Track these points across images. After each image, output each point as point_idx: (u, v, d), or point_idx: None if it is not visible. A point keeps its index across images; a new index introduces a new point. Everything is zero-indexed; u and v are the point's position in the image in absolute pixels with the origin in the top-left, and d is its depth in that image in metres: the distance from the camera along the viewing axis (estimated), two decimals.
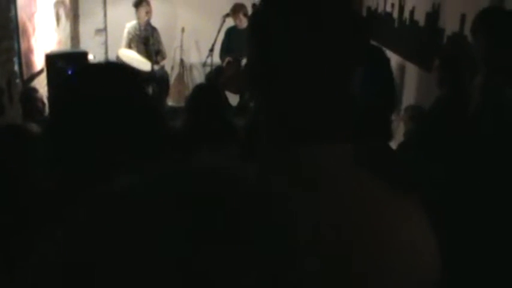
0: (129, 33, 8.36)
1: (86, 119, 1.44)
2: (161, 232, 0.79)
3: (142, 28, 8.33)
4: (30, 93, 5.66)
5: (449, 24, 5.87)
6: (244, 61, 8.15)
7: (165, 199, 0.81)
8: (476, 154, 3.54)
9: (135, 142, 1.47)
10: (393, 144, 4.41)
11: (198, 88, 4.09)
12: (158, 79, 8.30)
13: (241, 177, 0.86)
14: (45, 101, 6.07)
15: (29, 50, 6.37)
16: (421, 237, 1.04)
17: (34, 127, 5.22)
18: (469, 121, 4.08)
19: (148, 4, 8.25)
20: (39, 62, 6.77)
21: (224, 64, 8.40)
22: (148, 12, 8.26)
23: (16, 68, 5.37)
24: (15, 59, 5.23)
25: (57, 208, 1.48)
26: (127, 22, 8.41)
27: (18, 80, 5.56)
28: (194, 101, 3.78)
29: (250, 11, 8.35)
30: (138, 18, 8.30)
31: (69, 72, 5.22)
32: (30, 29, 6.38)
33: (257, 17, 1.09)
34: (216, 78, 8.26)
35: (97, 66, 1.66)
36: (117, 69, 1.58)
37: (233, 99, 8.39)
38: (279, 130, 1.07)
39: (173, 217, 0.79)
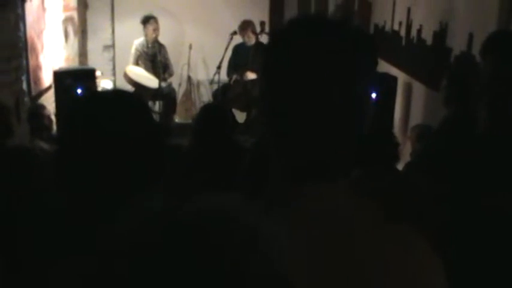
0: (136, 50, 8.38)
1: (92, 149, 1.46)
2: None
3: (149, 45, 8.36)
4: (38, 110, 5.68)
5: (457, 43, 5.87)
6: (249, 76, 8.19)
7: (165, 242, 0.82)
8: (484, 174, 3.52)
9: (138, 170, 1.49)
10: (400, 164, 4.39)
11: (205, 108, 4.09)
12: (165, 96, 8.32)
13: (241, 224, 0.86)
14: (53, 117, 6.09)
15: (38, 67, 6.41)
16: (428, 269, 1.04)
17: (41, 144, 5.26)
18: (476, 141, 4.07)
19: (155, 21, 8.27)
20: (47, 79, 6.80)
21: (231, 82, 8.43)
22: (156, 30, 8.28)
23: (24, 86, 5.40)
24: (24, 77, 5.26)
25: (63, 226, 1.49)
26: (135, 38, 8.44)
27: (26, 98, 5.59)
28: (201, 122, 3.78)
29: (258, 28, 8.38)
30: (146, 35, 8.32)
31: (77, 95, 5.25)
32: (38, 46, 6.42)
33: (267, 54, 1.10)
34: (223, 96, 8.28)
35: (105, 96, 1.67)
36: (124, 100, 1.59)
37: (240, 116, 8.41)
38: (285, 164, 1.07)
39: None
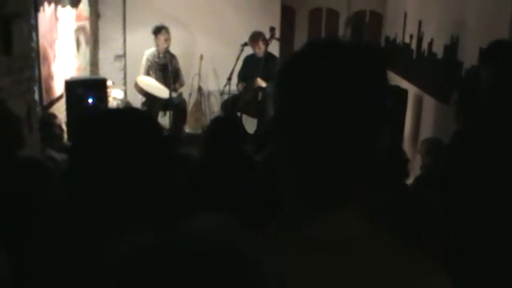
0: (147, 60, 8.39)
1: (102, 158, 1.49)
2: None
3: (161, 55, 8.37)
4: (49, 119, 5.72)
5: (468, 57, 5.87)
6: (259, 83, 8.20)
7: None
8: (495, 189, 3.51)
9: (147, 180, 1.52)
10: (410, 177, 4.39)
11: (216, 121, 4.09)
12: (176, 106, 8.33)
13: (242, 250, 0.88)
14: (64, 127, 6.13)
15: (49, 77, 6.44)
16: None
17: (52, 153, 5.29)
18: (485, 154, 4.05)
19: (167, 31, 8.27)
20: (58, 88, 6.83)
21: (241, 90, 8.43)
22: (167, 40, 8.28)
23: (36, 95, 5.43)
24: (36, 87, 5.29)
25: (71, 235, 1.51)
26: (146, 48, 8.45)
27: (38, 108, 5.62)
28: (211, 134, 3.78)
29: (268, 34, 8.37)
30: (157, 45, 8.33)
31: (89, 105, 5.27)
32: (51, 56, 6.46)
33: (282, 77, 1.11)
34: (233, 106, 8.29)
35: (115, 111, 1.70)
36: (133, 114, 1.62)
37: (251, 122, 8.43)
38: (296, 191, 1.08)
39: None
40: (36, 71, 5.69)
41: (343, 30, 9.87)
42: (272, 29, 8.40)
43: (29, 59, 4.70)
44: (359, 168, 1.06)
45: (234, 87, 8.40)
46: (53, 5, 6.52)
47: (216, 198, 3.46)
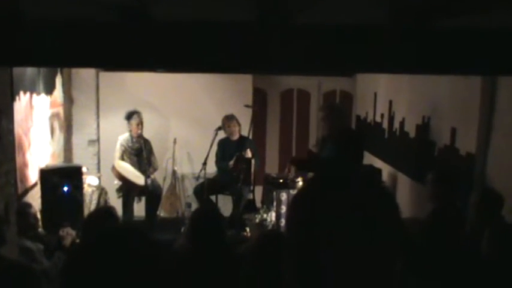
0: (121, 145, 8.39)
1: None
2: None
3: (134, 140, 8.39)
4: (24, 208, 5.64)
5: (440, 137, 5.97)
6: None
7: None
8: (477, 276, 3.55)
9: None
10: None
11: (199, 213, 4.06)
12: (150, 192, 8.30)
13: None
14: (38, 215, 6.04)
15: (24, 165, 6.39)
16: None
17: (27, 243, 5.19)
18: (466, 240, 4.11)
19: (139, 116, 8.29)
20: (33, 176, 6.76)
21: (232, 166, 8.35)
22: (139, 124, 8.30)
23: (13, 189, 5.38)
24: (13, 180, 5.24)
25: None
26: (119, 133, 8.47)
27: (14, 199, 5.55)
28: (194, 226, 3.76)
29: (241, 117, 8.48)
30: (130, 130, 8.36)
31: (64, 192, 5.18)
32: (25, 144, 6.42)
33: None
34: (208, 192, 8.30)
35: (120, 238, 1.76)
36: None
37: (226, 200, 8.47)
38: None
39: None
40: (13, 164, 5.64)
41: (314, 110, 10.04)
42: (247, 106, 8.53)
43: (7, 153, 4.67)
44: None
45: (209, 171, 8.40)
46: (28, 93, 6.54)
47: None
